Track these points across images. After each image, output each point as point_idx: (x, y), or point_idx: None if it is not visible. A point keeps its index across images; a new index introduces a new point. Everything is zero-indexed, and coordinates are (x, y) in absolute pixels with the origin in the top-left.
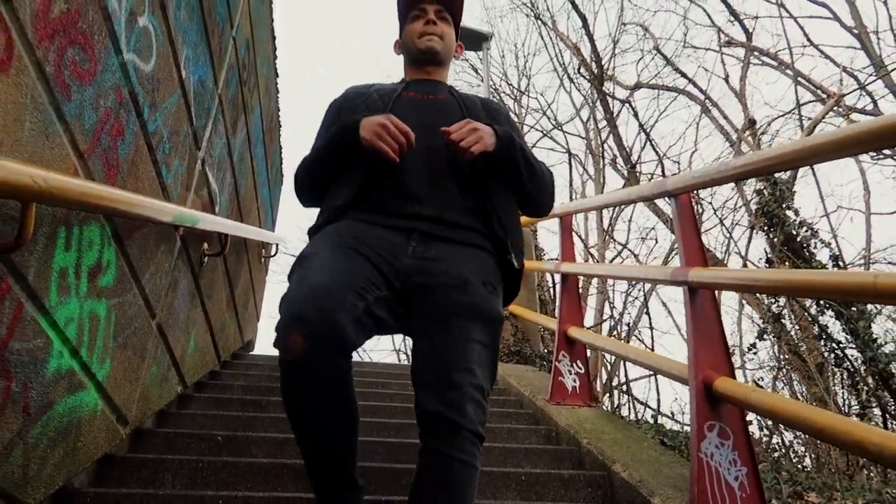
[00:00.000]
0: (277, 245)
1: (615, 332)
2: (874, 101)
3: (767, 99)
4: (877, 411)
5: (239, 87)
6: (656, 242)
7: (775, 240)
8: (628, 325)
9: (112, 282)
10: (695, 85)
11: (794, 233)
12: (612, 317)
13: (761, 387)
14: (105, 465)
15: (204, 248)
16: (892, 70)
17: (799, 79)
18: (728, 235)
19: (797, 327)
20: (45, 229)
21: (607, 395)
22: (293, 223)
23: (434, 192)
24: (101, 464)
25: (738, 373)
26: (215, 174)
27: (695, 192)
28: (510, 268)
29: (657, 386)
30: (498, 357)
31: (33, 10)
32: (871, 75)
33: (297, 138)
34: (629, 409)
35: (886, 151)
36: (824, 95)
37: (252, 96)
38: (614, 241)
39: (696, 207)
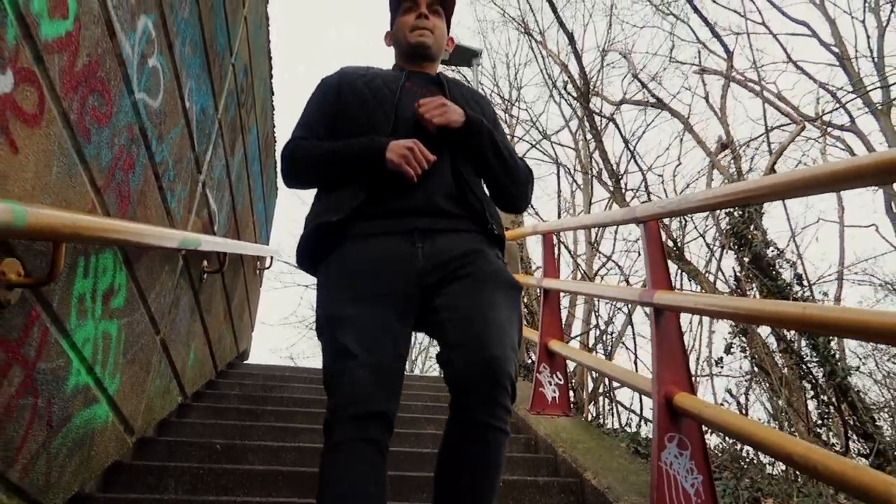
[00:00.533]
0: (272, 257)
1: (602, 341)
2: (852, 119)
3: (750, 113)
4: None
5: (237, 111)
6: (639, 255)
7: (745, 259)
8: (611, 334)
9: (123, 303)
10: (671, 112)
11: (762, 253)
12: (597, 326)
13: (735, 397)
14: (113, 472)
15: (203, 266)
16: (870, 90)
17: (772, 103)
18: (710, 249)
19: (772, 339)
20: (67, 260)
21: (592, 402)
22: (286, 230)
23: (429, 179)
24: (109, 471)
25: (716, 382)
26: (215, 195)
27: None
28: (492, 236)
29: (640, 394)
30: (521, 322)
31: (61, 66)
32: (848, 93)
33: (289, 129)
34: (613, 415)
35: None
36: (799, 117)
37: (249, 117)
38: (600, 252)
39: (681, 221)
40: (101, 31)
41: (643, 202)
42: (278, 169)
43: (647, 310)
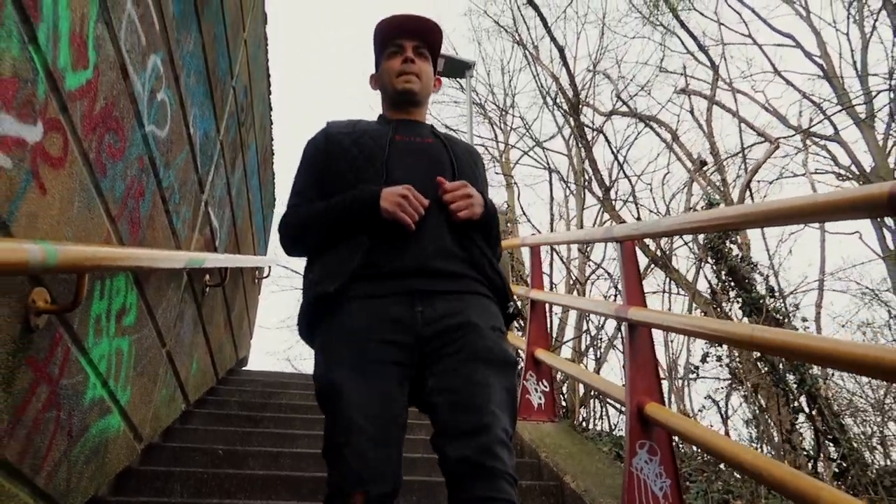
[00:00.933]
0: (270, 267)
1: (594, 346)
2: (836, 131)
3: (735, 125)
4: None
5: (238, 130)
6: None
7: (721, 272)
8: (600, 340)
9: (133, 321)
10: (653, 130)
11: (738, 266)
12: (587, 331)
13: (716, 402)
14: (123, 478)
15: (206, 280)
16: (856, 105)
17: (748, 123)
18: (696, 257)
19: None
20: (87, 285)
21: (583, 406)
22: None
23: (425, 238)
24: (120, 476)
25: (703, 387)
26: (216, 212)
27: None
28: (507, 311)
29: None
30: (517, 400)
31: (82, 111)
32: (833, 105)
33: (291, 147)
34: (603, 416)
35: (852, 167)
36: (773, 136)
37: (249, 134)
38: (590, 260)
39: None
40: (116, 75)
41: (621, 223)
42: (276, 181)
43: (623, 324)
